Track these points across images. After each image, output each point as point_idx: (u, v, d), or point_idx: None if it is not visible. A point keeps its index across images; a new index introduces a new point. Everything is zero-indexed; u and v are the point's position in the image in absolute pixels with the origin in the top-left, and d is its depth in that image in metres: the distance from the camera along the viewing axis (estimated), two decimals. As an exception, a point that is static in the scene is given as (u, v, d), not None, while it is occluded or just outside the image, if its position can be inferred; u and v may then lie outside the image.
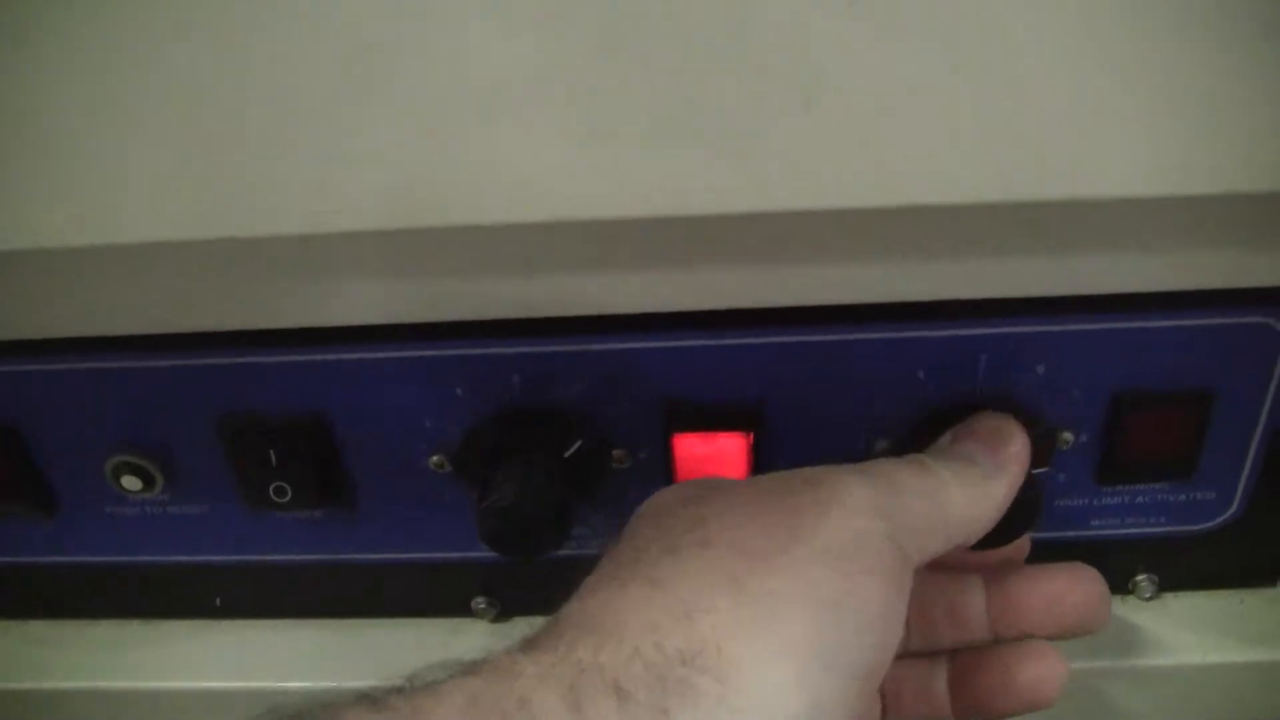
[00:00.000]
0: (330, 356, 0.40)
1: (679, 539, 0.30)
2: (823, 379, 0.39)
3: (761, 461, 0.41)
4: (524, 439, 0.41)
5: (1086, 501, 0.43)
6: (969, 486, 0.34)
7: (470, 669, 0.27)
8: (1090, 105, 0.28)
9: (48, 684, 0.49)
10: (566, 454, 0.41)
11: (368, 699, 0.26)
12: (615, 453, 0.41)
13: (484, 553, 0.44)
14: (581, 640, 0.27)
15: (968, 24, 0.27)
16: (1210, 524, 0.44)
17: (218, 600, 0.49)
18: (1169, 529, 0.44)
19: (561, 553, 0.44)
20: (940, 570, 0.40)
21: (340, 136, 0.29)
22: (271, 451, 0.42)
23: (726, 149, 0.29)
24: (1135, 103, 0.29)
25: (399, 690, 0.27)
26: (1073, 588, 0.39)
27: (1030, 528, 0.38)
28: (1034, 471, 0.38)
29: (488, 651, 0.28)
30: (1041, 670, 0.38)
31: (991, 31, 0.27)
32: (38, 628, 0.50)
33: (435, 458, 0.42)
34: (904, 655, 0.40)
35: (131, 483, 0.44)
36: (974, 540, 0.35)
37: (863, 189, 0.30)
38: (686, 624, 0.27)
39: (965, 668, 0.39)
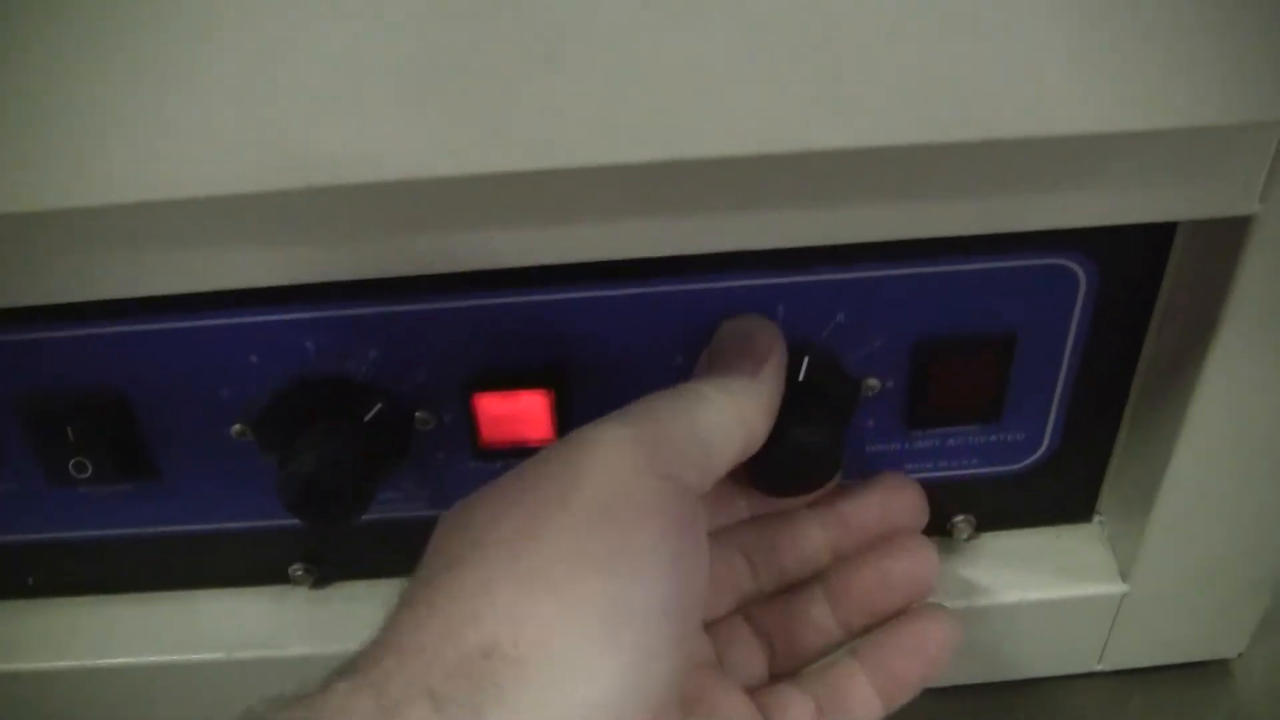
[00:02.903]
0: (124, 329, 0.39)
1: (455, 548, 0.30)
2: (622, 333, 0.39)
3: (567, 418, 0.40)
4: (323, 405, 0.40)
5: (898, 446, 0.43)
6: (732, 393, 0.34)
7: (290, 701, 0.26)
8: (872, 43, 0.28)
9: None
10: (366, 418, 0.40)
11: None
12: (418, 415, 0.41)
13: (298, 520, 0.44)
14: (388, 656, 0.27)
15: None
16: (1022, 464, 0.44)
17: (30, 579, 0.47)
18: (982, 470, 0.44)
19: (376, 516, 0.43)
20: (773, 515, 0.41)
21: (118, 106, 0.28)
22: (69, 428, 0.41)
23: (482, 109, 0.28)
24: (923, 43, 0.28)
25: None
26: (894, 491, 0.41)
27: (832, 475, 0.38)
28: (837, 422, 0.38)
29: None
30: (915, 556, 0.39)
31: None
32: None
33: (237, 426, 0.41)
34: (772, 596, 0.41)
35: (-68, 462, 0.42)
36: (757, 445, 0.34)
37: (629, 143, 0.29)
38: (475, 624, 0.27)
39: (841, 586, 0.40)
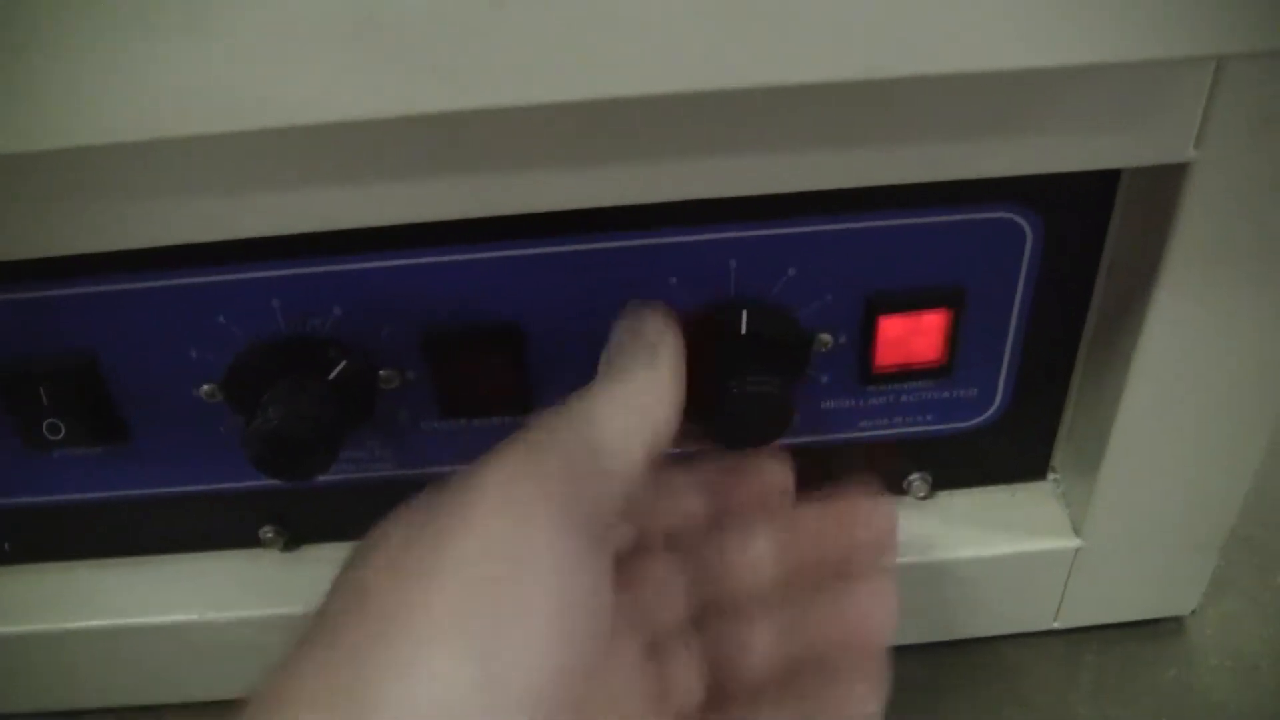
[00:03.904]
0: (91, 289, 0.40)
1: (345, 596, 0.28)
2: (576, 289, 0.40)
3: (530, 375, 0.41)
4: (289, 364, 0.41)
5: (852, 403, 0.44)
6: (630, 387, 0.33)
7: None
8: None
9: None
10: (331, 376, 0.41)
11: None
12: (382, 373, 0.41)
13: (267, 481, 0.44)
14: (272, 708, 0.25)
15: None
16: (976, 420, 0.45)
17: (4, 545, 0.48)
18: (936, 427, 0.45)
19: (343, 477, 0.44)
20: (723, 524, 0.38)
21: (66, 47, 0.29)
22: (41, 389, 0.42)
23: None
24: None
25: None
26: (858, 511, 0.37)
27: (785, 425, 0.39)
28: (785, 372, 0.39)
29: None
30: (875, 599, 0.36)
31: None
32: None
33: (206, 387, 0.42)
34: (712, 618, 0.37)
35: (-96, 427, 0.43)
36: (668, 433, 0.33)
37: (568, 82, 0.29)
38: (358, 688, 0.24)
39: (790, 618, 0.36)
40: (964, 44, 0.29)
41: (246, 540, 0.48)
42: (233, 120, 0.30)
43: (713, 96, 0.29)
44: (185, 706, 0.50)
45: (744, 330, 0.40)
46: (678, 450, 0.41)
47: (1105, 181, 0.39)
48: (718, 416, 0.39)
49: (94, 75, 0.28)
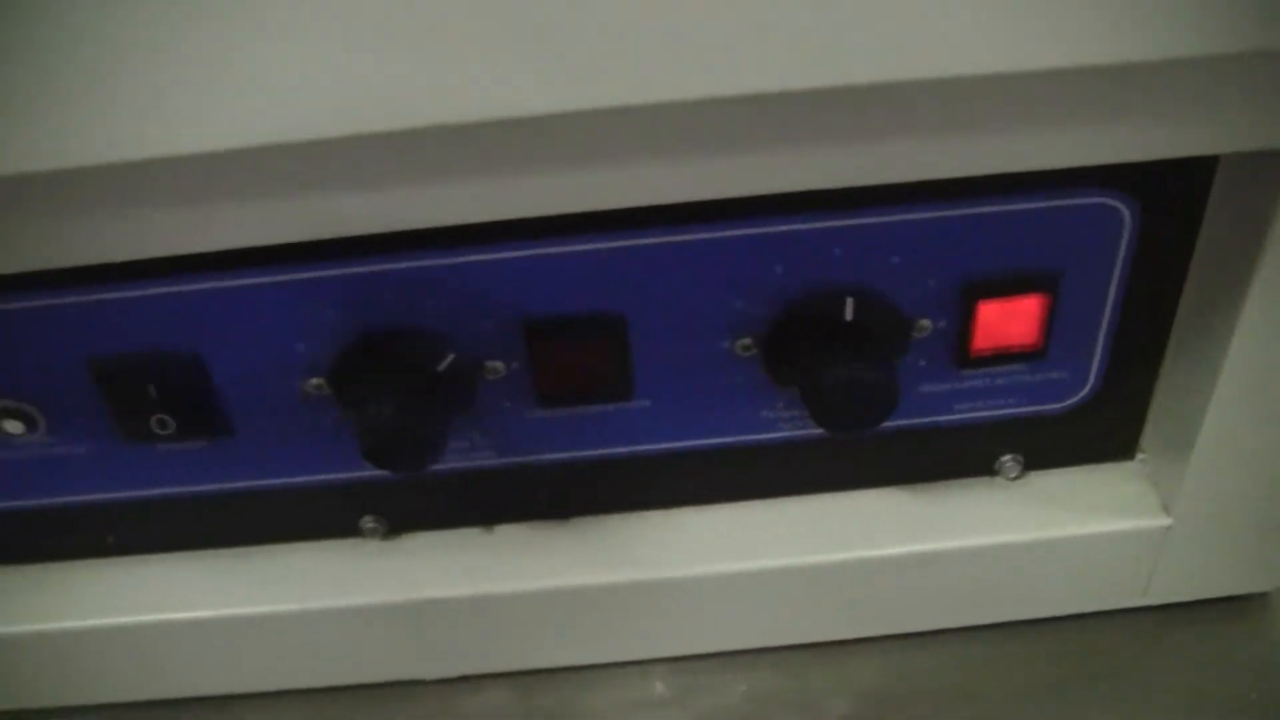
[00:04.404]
0: (199, 286, 0.40)
1: None
2: (682, 280, 0.40)
3: (631, 363, 0.42)
4: (398, 357, 0.41)
5: (948, 386, 0.45)
6: None
7: None
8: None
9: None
10: (440, 368, 0.41)
11: None
12: (488, 364, 0.42)
13: (369, 472, 0.45)
14: None
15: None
16: (1068, 402, 0.46)
17: (110, 538, 0.49)
18: (1029, 409, 0.46)
19: (443, 467, 0.45)
20: None
21: (183, 59, 0.30)
22: (150, 386, 0.42)
23: (544, 50, 0.30)
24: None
25: None
26: None
27: (890, 409, 0.40)
28: (886, 357, 0.40)
29: None
30: None
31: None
32: (-73, 579, 0.50)
33: (313, 381, 0.43)
34: None
35: (13, 426, 0.44)
36: None
37: (688, 80, 0.30)
38: None
39: None
40: (1066, 40, 0.30)
41: (347, 530, 0.49)
42: (373, 121, 0.30)
43: (829, 93, 0.30)
44: (290, 694, 0.51)
45: (848, 317, 0.40)
46: (798, 433, 0.42)
47: (1203, 167, 0.39)
48: (823, 402, 0.39)
49: (237, 79, 0.29)
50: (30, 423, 0.44)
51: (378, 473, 0.46)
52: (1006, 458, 0.48)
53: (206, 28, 0.29)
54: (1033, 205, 0.40)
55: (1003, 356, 0.44)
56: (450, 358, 0.41)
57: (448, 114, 0.31)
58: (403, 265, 0.40)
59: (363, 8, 0.29)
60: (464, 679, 0.51)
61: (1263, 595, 0.51)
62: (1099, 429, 0.47)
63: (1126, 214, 0.40)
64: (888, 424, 0.42)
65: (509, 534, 0.49)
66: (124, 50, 0.29)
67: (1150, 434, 0.48)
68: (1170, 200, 0.40)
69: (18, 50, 0.29)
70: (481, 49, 0.30)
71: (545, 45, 0.30)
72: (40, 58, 0.29)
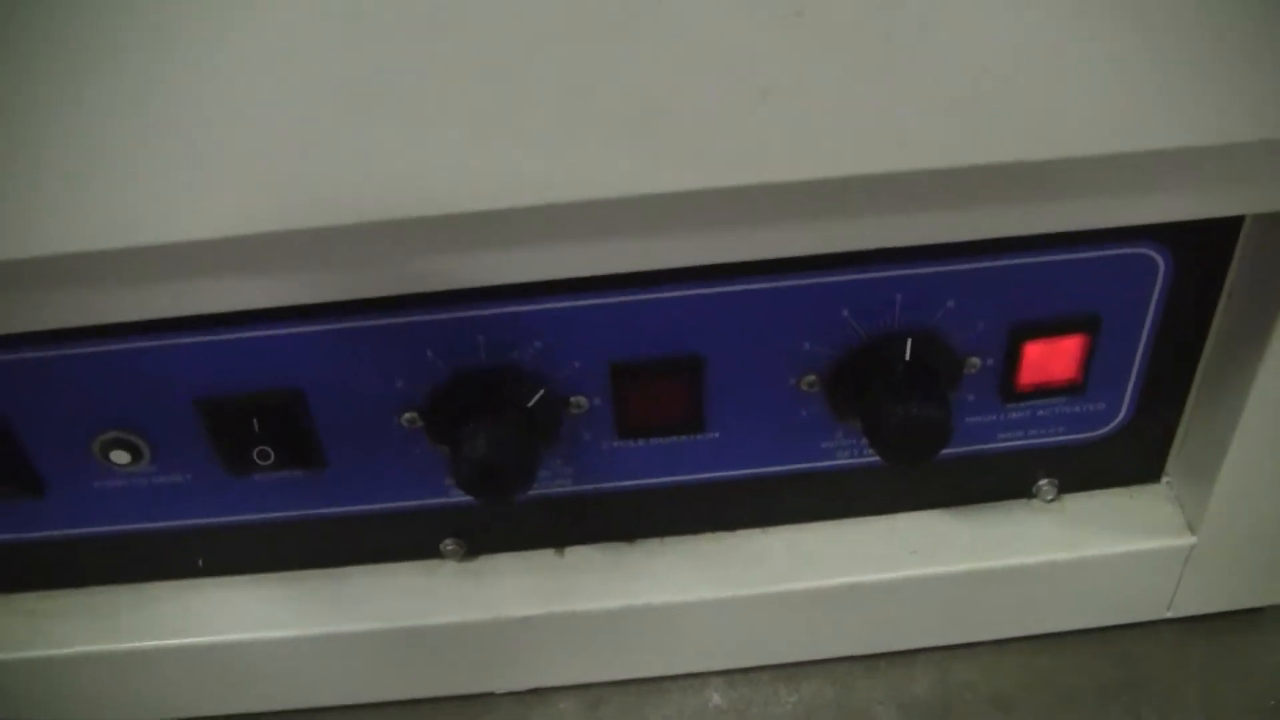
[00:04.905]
0: (304, 329, 0.43)
1: None
2: (755, 324, 0.44)
3: (706, 399, 0.45)
4: (491, 393, 0.45)
5: (993, 418, 0.48)
6: None
7: None
8: (1011, 84, 0.33)
9: (42, 651, 0.52)
10: (530, 404, 0.45)
11: None
12: (573, 400, 0.46)
13: (451, 498, 0.49)
14: None
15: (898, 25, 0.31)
16: (1102, 430, 0.49)
17: (200, 560, 0.52)
18: (1066, 437, 0.50)
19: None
20: None
21: (308, 139, 0.33)
22: (253, 420, 0.45)
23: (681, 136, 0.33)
24: (1049, 80, 0.33)
25: None
26: None
27: (945, 442, 0.43)
28: (945, 395, 0.43)
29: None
30: None
31: (917, 34, 0.32)
32: (28, 600, 0.53)
33: (408, 415, 0.46)
34: None
35: (120, 457, 0.47)
36: None
37: (801, 164, 0.34)
38: None
39: None
40: (1132, 128, 0.34)
41: (428, 552, 0.52)
42: (510, 198, 0.34)
43: (930, 174, 0.34)
44: (371, 706, 0.54)
45: (907, 357, 0.44)
46: (854, 462, 0.46)
47: (1231, 221, 0.43)
48: (885, 436, 0.43)
49: (356, 158, 0.33)
50: (136, 454, 0.47)
51: (460, 498, 0.49)
52: (1044, 481, 0.51)
53: (336, 114, 0.32)
54: (1076, 256, 0.43)
55: (1044, 391, 0.47)
56: (540, 394, 0.45)
57: (558, 194, 0.35)
58: (498, 311, 0.43)
59: (481, 99, 0.32)
60: (533, 691, 0.54)
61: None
62: (1129, 455, 0.51)
63: (1160, 262, 0.44)
64: (937, 452, 0.46)
65: (579, 555, 0.52)
66: (262, 131, 0.33)
67: (1175, 459, 0.52)
68: (1201, 250, 0.44)
69: (155, 122, 0.32)
70: (600, 135, 0.33)
71: (643, 131, 0.33)
72: (173, 132, 0.32)
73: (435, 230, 0.36)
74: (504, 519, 0.51)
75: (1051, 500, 0.52)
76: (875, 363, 0.44)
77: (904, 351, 0.44)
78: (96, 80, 0.31)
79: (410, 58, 0.31)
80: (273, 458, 0.47)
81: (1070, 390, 0.47)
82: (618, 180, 0.34)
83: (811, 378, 0.46)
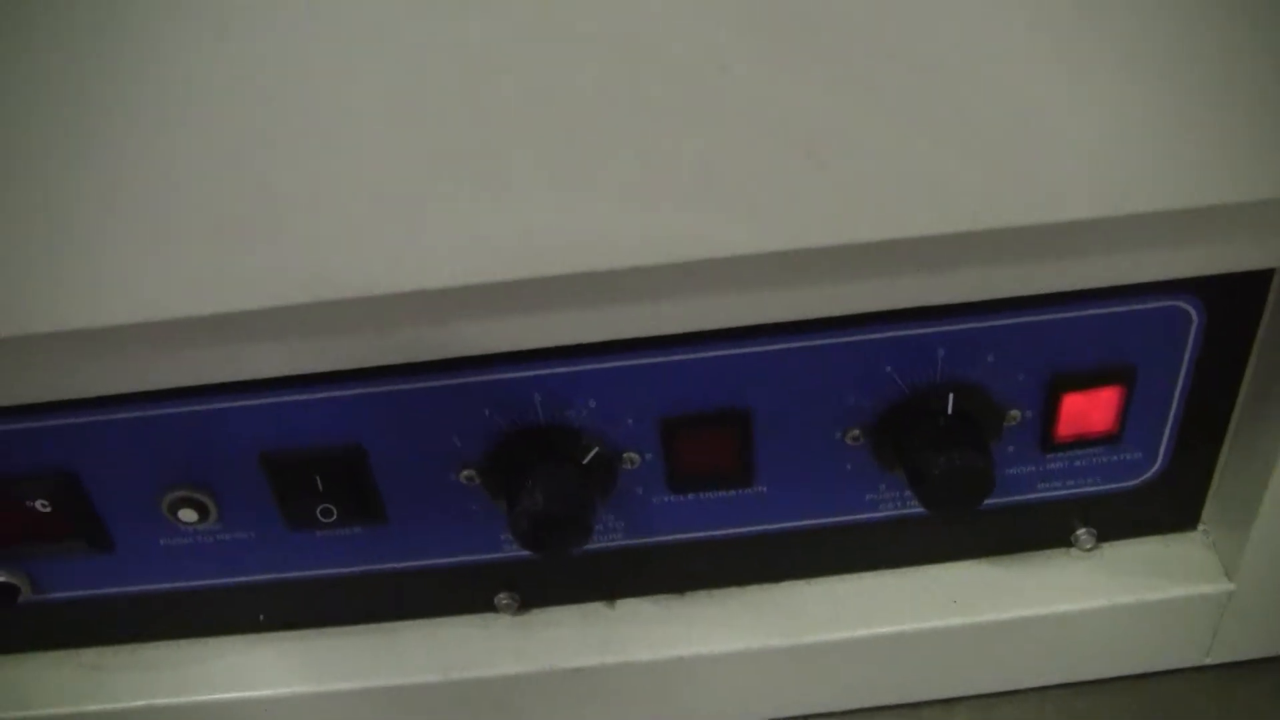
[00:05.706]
0: (366, 390, 0.45)
1: None
2: (801, 379, 0.45)
3: (754, 454, 0.47)
4: (547, 449, 0.46)
5: (1033, 469, 0.49)
6: None
7: None
8: (1050, 146, 0.34)
9: (104, 705, 0.53)
10: (585, 460, 0.46)
11: None
12: (626, 455, 0.47)
13: (506, 553, 0.50)
14: None
15: (937, 89, 0.33)
16: (1139, 480, 0.51)
17: (261, 615, 0.54)
18: (1104, 487, 0.51)
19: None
20: None
21: (380, 209, 0.35)
22: (317, 478, 0.47)
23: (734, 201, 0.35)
24: (1081, 145, 0.35)
25: None
26: None
27: (988, 492, 0.45)
28: (986, 447, 0.45)
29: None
30: None
31: (957, 97, 0.33)
32: (91, 654, 0.55)
33: (466, 472, 0.47)
34: None
35: (188, 515, 0.48)
36: None
37: (851, 228, 0.36)
38: None
39: None
40: (1163, 187, 0.36)
41: (482, 606, 0.53)
42: (567, 264, 0.36)
43: (973, 235, 0.35)
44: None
45: (949, 410, 0.46)
46: (897, 512, 0.47)
47: (1262, 273, 0.45)
48: (929, 487, 0.44)
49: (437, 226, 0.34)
50: (203, 512, 0.48)
51: (514, 552, 0.51)
52: (1082, 530, 0.53)
53: (397, 187, 0.34)
54: (1113, 309, 0.45)
55: (1082, 441, 0.49)
56: (595, 450, 0.46)
57: (611, 260, 0.36)
58: (553, 371, 0.45)
59: (537, 169, 0.34)
60: (585, 741, 0.55)
61: (1318, 651, 0.56)
62: (1166, 503, 0.52)
63: (1194, 314, 0.45)
64: (978, 502, 0.47)
65: (630, 607, 0.54)
66: (324, 200, 0.34)
67: (1211, 506, 0.53)
68: (1233, 302, 0.45)
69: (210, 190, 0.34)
70: (657, 204, 0.35)
71: (696, 199, 0.35)
72: (239, 204, 0.34)
73: (492, 296, 0.38)
74: (557, 572, 0.53)
75: (1090, 549, 0.53)
76: (919, 416, 0.46)
77: (947, 404, 0.46)
78: (171, 148, 0.33)
79: (474, 123, 0.33)
80: (335, 514, 0.48)
81: (1107, 441, 0.49)
82: (670, 247, 0.35)
83: (856, 431, 0.47)
